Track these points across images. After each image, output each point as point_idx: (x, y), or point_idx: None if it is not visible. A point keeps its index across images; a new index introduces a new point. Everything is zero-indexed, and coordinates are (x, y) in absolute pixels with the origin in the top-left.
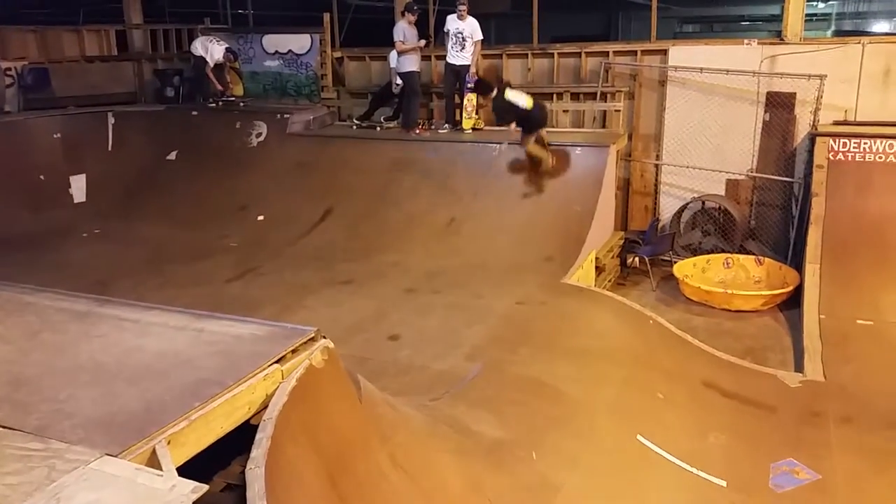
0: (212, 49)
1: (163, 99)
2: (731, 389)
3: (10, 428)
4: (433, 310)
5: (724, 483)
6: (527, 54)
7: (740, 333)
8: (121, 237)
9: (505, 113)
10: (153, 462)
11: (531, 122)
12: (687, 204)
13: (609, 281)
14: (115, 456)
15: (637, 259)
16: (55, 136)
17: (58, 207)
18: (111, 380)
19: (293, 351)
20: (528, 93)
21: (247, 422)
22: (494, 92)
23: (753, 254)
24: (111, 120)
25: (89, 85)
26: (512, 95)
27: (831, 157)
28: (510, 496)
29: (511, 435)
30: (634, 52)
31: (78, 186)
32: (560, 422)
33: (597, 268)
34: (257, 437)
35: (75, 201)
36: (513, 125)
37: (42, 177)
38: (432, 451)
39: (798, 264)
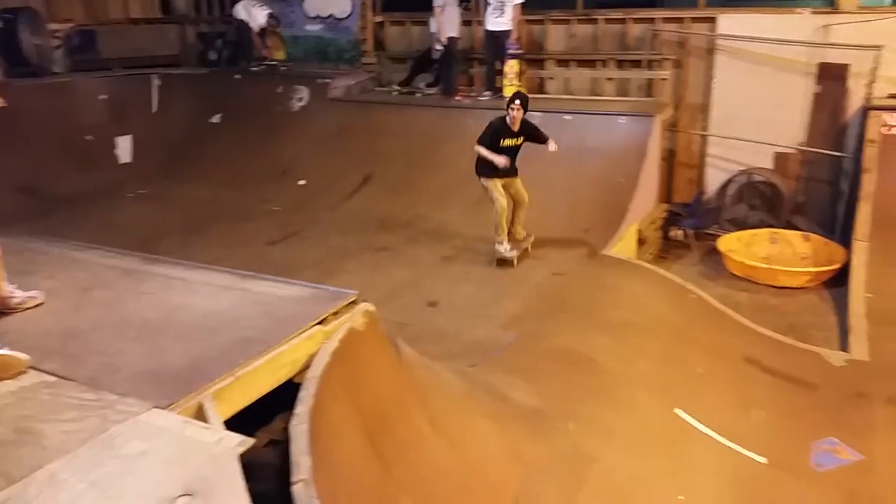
0: (255, 13)
1: (206, 62)
2: (773, 366)
3: (65, 378)
4: (470, 278)
5: (764, 460)
6: (570, 20)
7: (784, 310)
8: (165, 197)
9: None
10: (200, 416)
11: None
12: (733, 177)
13: (651, 254)
14: (164, 409)
15: (680, 232)
16: (101, 97)
17: (104, 167)
18: (159, 336)
19: (335, 313)
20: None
21: (289, 380)
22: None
23: (800, 229)
24: (156, 82)
25: (134, 47)
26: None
27: (884, 132)
28: (547, 465)
29: (547, 404)
30: (682, 20)
31: (124, 147)
32: (597, 393)
33: (639, 240)
34: (301, 394)
35: (121, 161)
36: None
37: (89, 137)
38: (470, 415)
39: (846, 241)
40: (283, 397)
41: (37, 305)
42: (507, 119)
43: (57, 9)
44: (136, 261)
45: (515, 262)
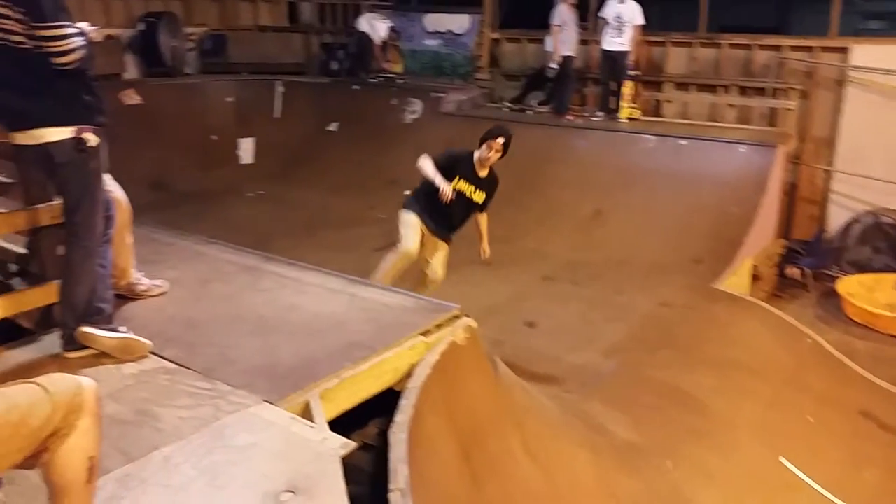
0: (377, 26)
1: (327, 71)
2: (891, 422)
3: (183, 366)
4: (571, 301)
5: None
6: (692, 43)
7: None
8: (281, 199)
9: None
10: (306, 414)
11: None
12: (859, 216)
13: (764, 291)
14: (273, 404)
15: (798, 271)
16: (228, 99)
17: (226, 167)
18: (272, 332)
19: (438, 325)
20: None
21: (390, 388)
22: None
23: None
24: (279, 88)
25: (261, 53)
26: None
27: None
28: (641, 502)
29: (645, 440)
30: (811, 48)
31: (246, 149)
32: (698, 433)
33: (753, 276)
34: (401, 403)
35: (242, 162)
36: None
37: (214, 137)
38: (564, 443)
39: None
40: (375, 402)
41: (161, 294)
42: (476, 156)
43: (193, 13)
44: (254, 258)
45: None
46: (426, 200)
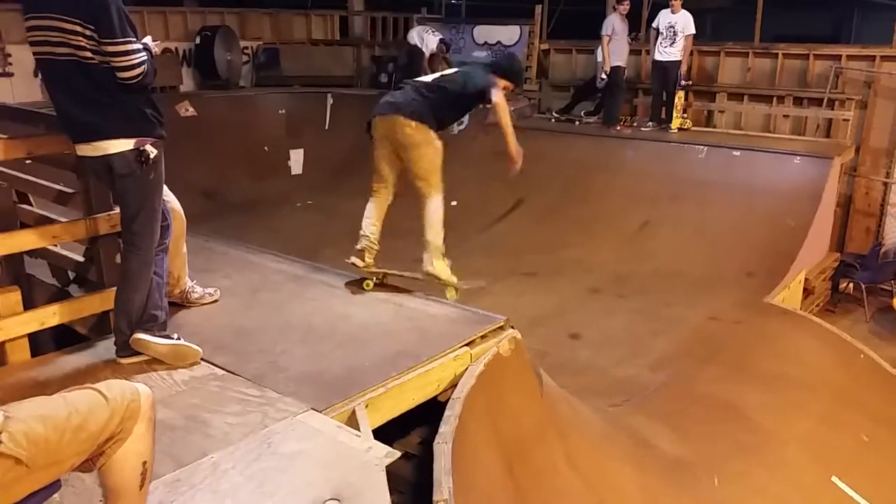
0: (427, 39)
1: (377, 84)
2: None
3: (233, 373)
4: (617, 313)
5: None
6: (747, 53)
7: None
8: (329, 209)
9: None
10: (352, 422)
11: None
12: None
13: (817, 306)
14: (320, 412)
15: (852, 285)
16: (280, 111)
17: (277, 177)
18: (320, 341)
19: (482, 336)
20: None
21: (434, 398)
22: None
23: None
24: (330, 100)
25: (313, 66)
26: None
27: None
28: None
29: (692, 455)
30: (871, 58)
31: (296, 160)
32: (747, 449)
33: (805, 290)
34: (446, 413)
35: (292, 173)
36: None
37: (266, 148)
38: (608, 457)
39: None
40: (418, 411)
41: (213, 302)
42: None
43: (248, 27)
44: (304, 268)
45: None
46: None
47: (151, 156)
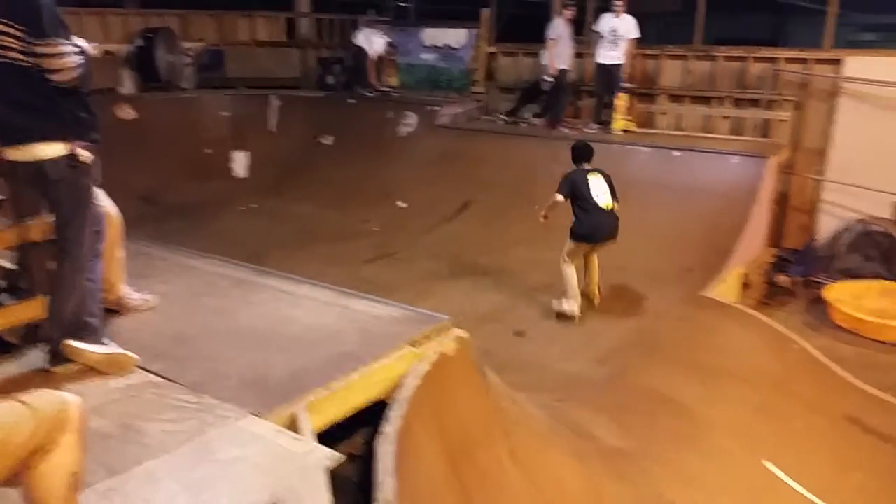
0: (374, 41)
1: (323, 86)
2: (876, 427)
3: (170, 380)
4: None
5: None
6: (687, 56)
7: (892, 368)
8: (274, 212)
9: (568, 186)
10: (294, 427)
11: (586, 223)
12: (849, 225)
13: (754, 299)
14: (260, 417)
15: (787, 279)
16: (224, 113)
17: (220, 180)
18: (263, 346)
19: (427, 336)
20: None
21: (380, 399)
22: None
23: None
24: (275, 103)
25: (258, 68)
26: (593, 180)
27: None
28: None
29: (633, 446)
30: (805, 60)
31: (240, 162)
32: (686, 439)
33: (743, 284)
34: (389, 414)
35: (236, 176)
36: (558, 198)
37: (209, 151)
38: (552, 451)
39: None
40: (364, 413)
41: (150, 308)
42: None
43: (191, 29)
44: (247, 271)
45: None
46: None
47: (84, 161)
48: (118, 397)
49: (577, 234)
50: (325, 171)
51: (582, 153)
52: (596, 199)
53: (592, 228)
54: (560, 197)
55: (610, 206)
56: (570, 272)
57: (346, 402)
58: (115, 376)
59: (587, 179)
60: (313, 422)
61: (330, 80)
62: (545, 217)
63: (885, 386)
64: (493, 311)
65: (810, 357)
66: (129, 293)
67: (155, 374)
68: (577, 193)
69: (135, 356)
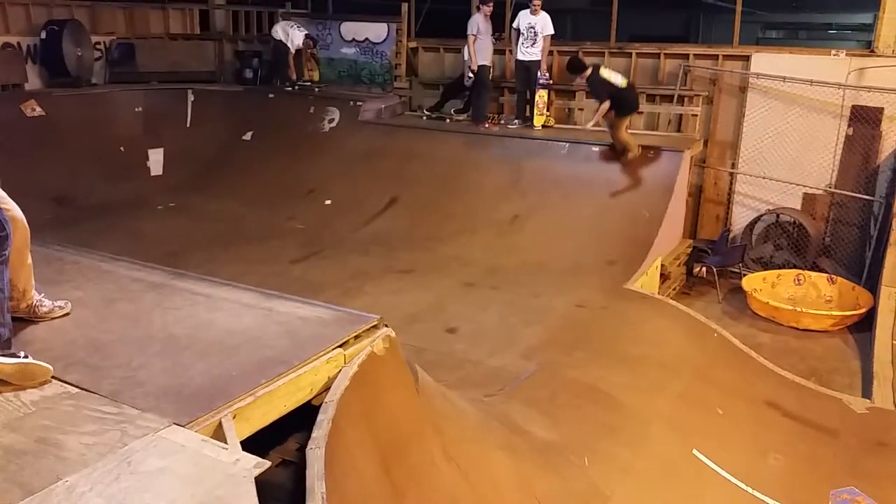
0: (292, 35)
1: (241, 80)
2: (793, 410)
3: (87, 390)
4: (491, 305)
5: None
6: (603, 52)
7: (807, 353)
8: (194, 211)
9: (601, 88)
10: (219, 434)
11: (625, 102)
12: (761, 216)
13: (673, 290)
14: (183, 426)
15: (704, 269)
16: (137, 109)
17: (135, 179)
18: (182, 351)
19: (356, 337)
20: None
21: (308, 402)
22: (589, 70)
23: (826, 272)
24: (191, 97)
25: (172, 62)
26: (606, 73)
27: None
28: (560, 500)
29: (563, 438)
30: (715, 57)
31: (156, 160)
32: (613, 429)
33: (662, 275)
34: (319, 418)
35: (152, 174)
36: (606, 104)
37: (122, 148)
38: (484, 446)
39: (872, 286)
40: (296, 417)
41: (63, 315)
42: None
43: (100, 22)
44: (163, 275)
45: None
46: (618, 109)
47: None
48: (33, 410)
49: (624, 110)
50: (246, 168)
51: (579, 63)
52: (620, 84)
53: (633, 101)
54: (607, 102)
55: (626, 83)
56: (630, 137)
57: (273, 407)
58: (29, 388)
59: (603, 76)
60: (238, 429)
61: (248, 73)
62: (597, 125)
63: (801, 371)
64: (423, 308)
65: (730, 345)
66: (40, 300)
67: (70, 384)
68: (610, 89)
69: (48, 366)
